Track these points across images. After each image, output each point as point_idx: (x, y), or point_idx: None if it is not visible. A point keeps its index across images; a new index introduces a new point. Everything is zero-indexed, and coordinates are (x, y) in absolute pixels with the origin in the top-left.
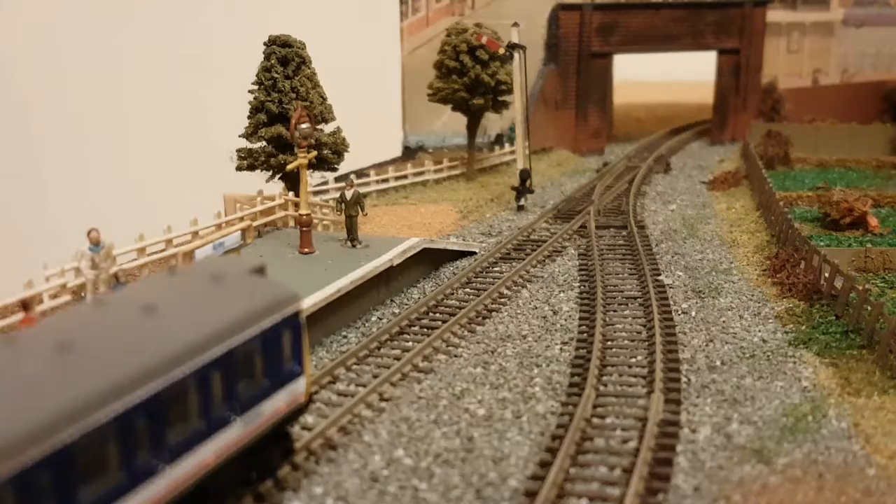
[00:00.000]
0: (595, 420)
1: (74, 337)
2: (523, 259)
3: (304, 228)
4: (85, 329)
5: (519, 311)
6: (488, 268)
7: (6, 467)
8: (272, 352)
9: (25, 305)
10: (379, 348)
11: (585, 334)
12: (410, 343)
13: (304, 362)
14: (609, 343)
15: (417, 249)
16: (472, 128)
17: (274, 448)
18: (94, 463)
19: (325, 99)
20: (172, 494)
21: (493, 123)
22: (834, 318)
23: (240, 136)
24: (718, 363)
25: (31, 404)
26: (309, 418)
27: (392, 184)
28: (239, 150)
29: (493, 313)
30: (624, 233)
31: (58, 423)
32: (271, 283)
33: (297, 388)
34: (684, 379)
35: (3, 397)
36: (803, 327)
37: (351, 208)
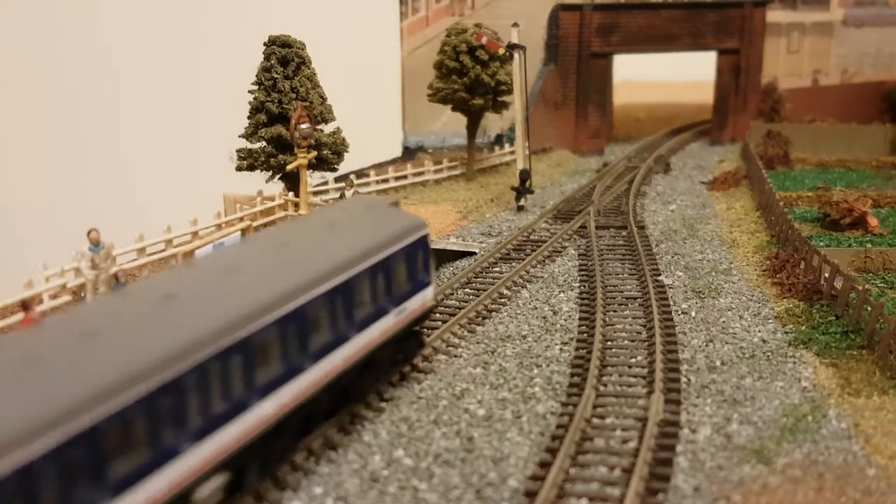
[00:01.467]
0: (595, 420)
1: (289, 240)
2: (523, 259)
3: None
4: (289, 235)
5: (519, 312)
6: (488, 268)
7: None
8: (411, 263)
9: (25, 306)
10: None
11: (585, 334)
12: None
13: (431, 276)
14: (609, 343)
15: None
16: (472, 128)
17: (412, 339)
18: (279, 343)
19: (324, 99)
20: (359, 356)
21: (492, 124)
22: (834, 318)
23: (240, 137)
24: (718, 363)
25: (191, 322)
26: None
27: (392, 184)
28: (239, 151)
29: (493, 313)
30: (624, 233)
31: (243, 319)
32: (408, 213)
33: (427, 295)
34: (684, 379)
35: (157, 327)
36: (803, 327)
37: None
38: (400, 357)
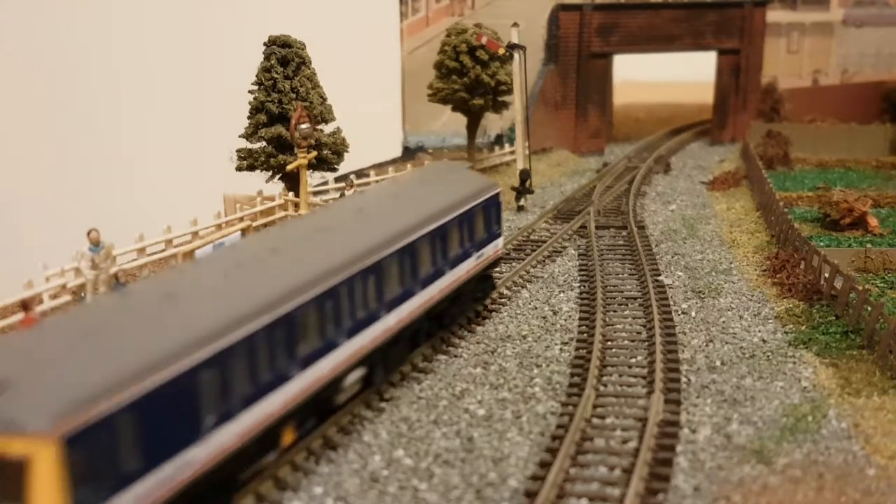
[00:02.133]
0: (595, 420)
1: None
2: (523, 259)
3: None
4: (398, 189)
5: (519, 312)
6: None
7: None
8: (488, 216)
9: (25, 306)
10: None
11: (585, 334)
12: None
13: (501, 228)
14: (609, 343)
15: None
16: (472, 128)
17: (487, 280)
18: (398, 270)
19: (325, 99)
20: (450, 289)
21: (492, 124)
22: (834, 318)
23: (240, 137)
24: (718, 363)
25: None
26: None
27: None
28: (239, 151)
29: (493, 313)
30: (624, 233)
31: (377, 248)
32: (483, 176)
33: (498, 244)
34: (684, 379)
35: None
36: (803, 328)
37: None
38: (479, 294)
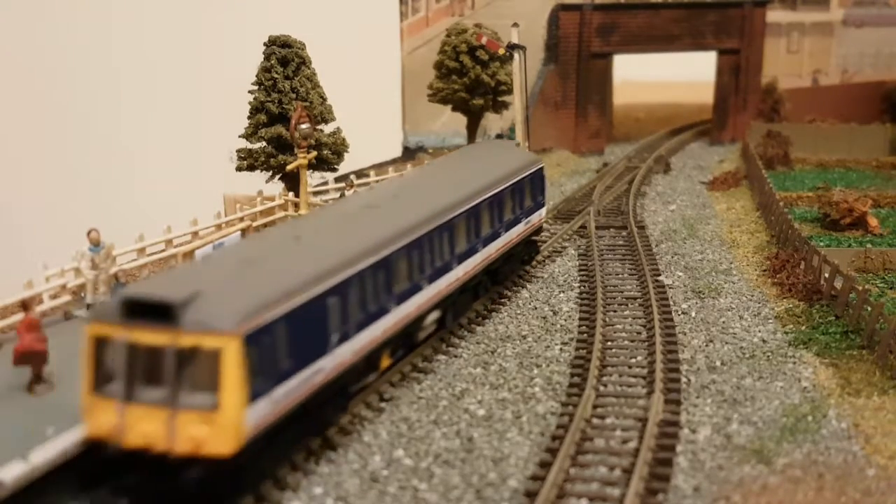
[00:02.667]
0: (595, 420)
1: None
2: (523, 259)
3: None
4: (462, 161)
5: (519, 312)
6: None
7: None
8: (534, 188)
9: (25, 306)
10: None
11: (585, 335)
12: None
13: (544, 199)
14: (609, 343)
15: None
16: (472, 128)
17: (532, 245)
18: (466, 229)
19: (324, 99)
20: (503, 250)
21: (492, 124)
22: (834, 318)
23: (240, 137)
24: (718, 363)
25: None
26: None
27: None
28: (239, 151)
29: (493, 313)
30: (624, 233)
31: (449, 208)
32: (529, 152)
33: (542, 213)
34: (684, 379)
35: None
36: (803, 328)
37: None
38: (525, 257)
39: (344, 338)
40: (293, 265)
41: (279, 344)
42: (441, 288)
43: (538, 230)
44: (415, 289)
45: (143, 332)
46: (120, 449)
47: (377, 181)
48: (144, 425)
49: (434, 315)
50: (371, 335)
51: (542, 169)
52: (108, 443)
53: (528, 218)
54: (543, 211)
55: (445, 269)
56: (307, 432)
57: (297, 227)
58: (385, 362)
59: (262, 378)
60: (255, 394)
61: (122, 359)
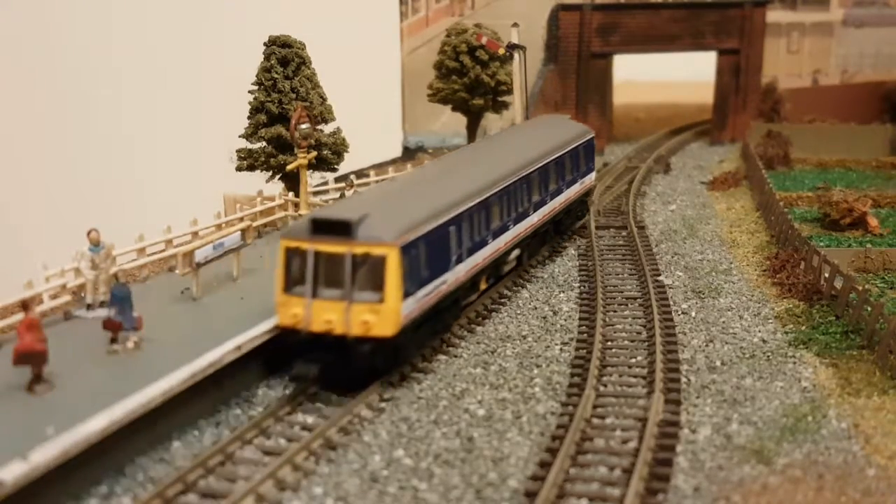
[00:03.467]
0: (595, 420)
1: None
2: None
3: None
4: (533, 129)
5: (519, 312)
6: None
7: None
8: (587, 154)
9: (25, 306)
10: None
11: (585, 335)
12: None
13: (594, 164)
14: (609, 343)
15: None
16: (472, 128)
17: (584, 204)
18: (539, 183)
19: (324, 99)
20: (564, 205)
21: (492, 124)
22: (834, 318)
23: (240, 137)
24: (718, 363)
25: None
26: (309, 419)
27: None
28: (239, 151)
29: (493, 313)
30: (624, 233)
31: (530, 162)
32: (583, 125)
33: (592, 176)
34: (684, 379)
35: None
36: (803, 328)
37: None
38: (579, 213)
39: (459, 259)
40: (426, 200)
41: (421, 257)
42: (521, 231)
43: (590, 191)
44: (504, 228)
45: (326, 244)
46: (308, 333)
47: (377, 181)
48: (327, 315)
49: (515, 252)
50: (475, 260)
51: (593, 139)
52: (297, 329)
53: (583, 179)
54: (593, 175)
55: (524, 215)
56: (435, 329)
57: (420, 173)
58: (483, 285)
59: (410, 281)
60: (406, 292)
61: (309, 265)
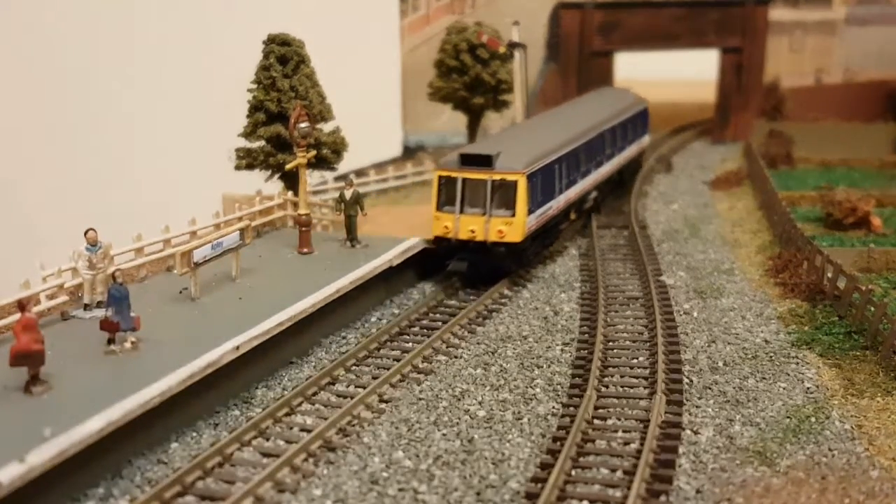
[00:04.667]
0: (596, 422)
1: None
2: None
3: (304, 228)
4: (601, 98)
5: (520, 312)
6: None
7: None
8: (643, 120)
9: (22, 306)
10: (378, 349)
11: (587, 335)
12: (410, 344)
13: (648, 128)
14: (610, 344)
15: (417, 249)
16: (473, 127)
17: (638, 161)
18: (611, 138)
19: (324, 98)
20: (625, 161)
21: (493, 123)
22: (837, 318)
23: (238, 136)
24: (721, 364)
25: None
26: (308, 419)
27: (392, 183)
28: (237, 150)
29: (494, 314)
30: (625, 233)
31: (606, 121)
32: (640, 96)
33: (646, 139)
34: (686, 380)
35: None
36: (806, 328)
37: (350, 208)
38: (635, 167)
39: (560, 191)
40: (539, 143)
41: (538, 186)
42: (598, 176)
43: (643, 152)
44: (588, 172)
45: (471, 173)
46: (456, 240)
47: (377, 180)
48: (471, 226)
49: (594, 194)
50: (569, 195)
51: (647, 108)
52: (447, 238)
53: (639, 140)
54: (647, 139)
55: (601, 163)
56: (543, 244)
57: (533, 123)
58: (572, 216)
59: (532, 202)
60: (529, 210)
61: (458, 189)
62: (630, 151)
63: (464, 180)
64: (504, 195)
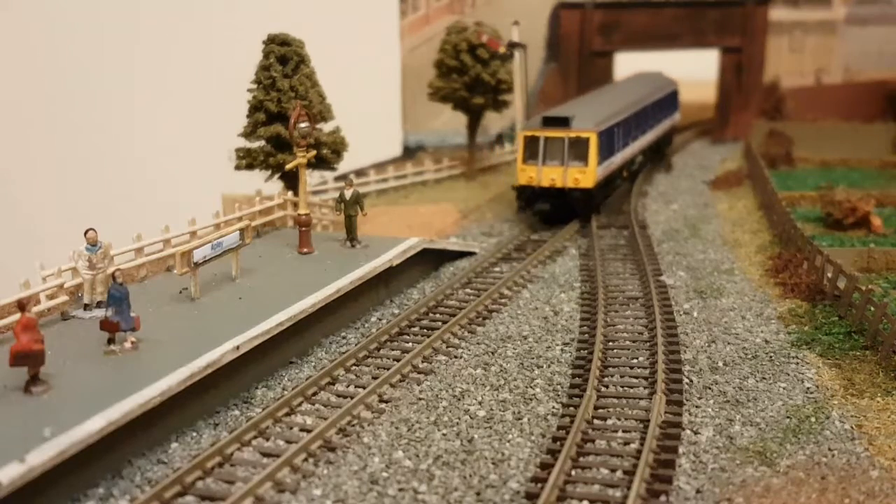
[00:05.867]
0: (596, 422)
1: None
2: (524, 259)
3: (304, 228)
4: (640, 81)
5: (520, 312)
6: (489, 268)
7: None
8: (674, 99)
9: (22, 306)
10: (378, 349)
11: (587, 335)
12: (410, 344)
13: (678, 107)
14: (610, 344)
15: (417, 249)
16: (473, 127)
17: (670, 136)
18: (653, 111)
19: (324, 98)
20: (661, 133)
21: (493, 123)
22: (837, 318)
23: (238, 136)
24: (721, 364)
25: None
26: (308, 419)
27: (392, 183)
28: (237, 150)
29: (494, 314)
30: (625, 233)
31: (651, 94)
32: (672, 78)
33: (678, 116)
34: (686, 380)
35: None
36: (806, 328)
37: (350, 208)
38: (668, 140)
39: (618, 150)
40: (603, 110)
41: (604, 143)
42: (643, 142)
43: (675, 127)
44: (636, 137)
45: (552, 132)
46: (538, 187)
47: (377, 180)
48: (551, 175)
49: (640, 158)
50: (624, 155)
51: (677, 88)
52: (531, 185)
53: (672, 116)
54: (679, 115)
55: (644, 132)
56: (605, 194)
57: (598, 94)
58: (625, 174)
59: (600, 156)
60: (598, 162)
61: (541, 145)
62: (665, 125)
63: (545, 138)
64: (579, 149)
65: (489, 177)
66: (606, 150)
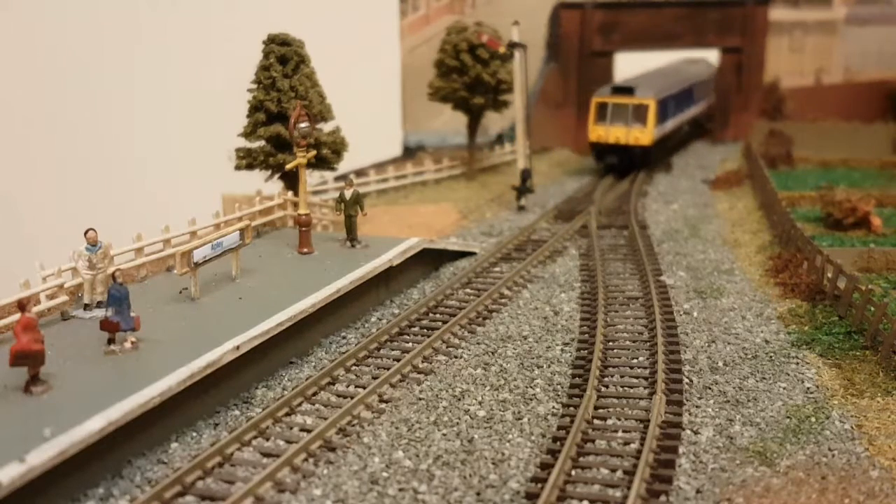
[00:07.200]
0: (596, 422)
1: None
2: (524, 259)
3: (304, 228)
4: (684, 65)
5: (520, 312)
6: (489, 268)
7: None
8: (711, 83)
9: (22, 306)
10: (378, 349)
11: (587, 335)
12: (410, 344)
13: (713, 93)
14: (610, 344)
15: (417, 249)
16: (473, 127)
17: (703, 120)
18: (697, 90)
19: (324, 98)
20: (699, 112)
21: (493, 123)
22: (837, 318)
23: (238, 136)
24: (721, 364)
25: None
26: (308, 419)
27: (392, 183)
28: (237, 150)
29: (494, 314)
30: (625, 233)
31: (695, 76)
32: (711, 64)
33: (712, 99)
34: (686, 380)
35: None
36: (806, 328)
37: (350, 208)
38: (706, 117)
39: (669, 117)
40: (659, 83)
41: (661, 110)
42: (687, 115)
43: (712, 106)
44: (682, 110)
45: (619, 98)
46: (606, 143)
47: (377, 180)
48: (616, 134)
49: (686, 128)
50: (675, 121)
51: (714, 74)
52: (599, 142)
53: (708, 98)
54: (713, 97)
55: (689, 106)
56: (657, 156)
57: (655, 71)
58: (671, 142)
59: (656, 120)
60: (655, 125)
61: (609, 109)
62: (703, 104)
63: (613, 104)
64: (640, 114)
65: (489, 177)
66: (661, 116)
